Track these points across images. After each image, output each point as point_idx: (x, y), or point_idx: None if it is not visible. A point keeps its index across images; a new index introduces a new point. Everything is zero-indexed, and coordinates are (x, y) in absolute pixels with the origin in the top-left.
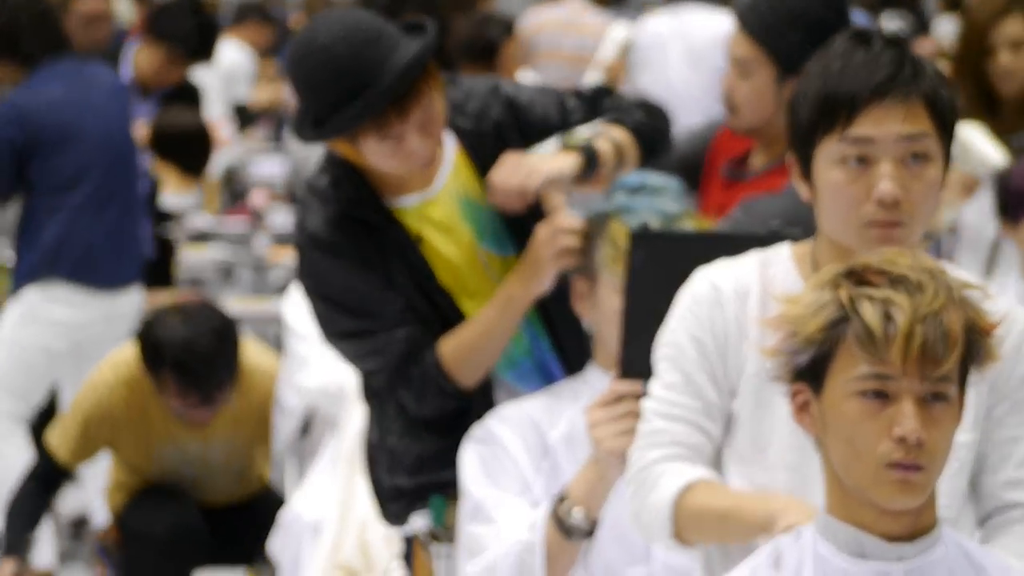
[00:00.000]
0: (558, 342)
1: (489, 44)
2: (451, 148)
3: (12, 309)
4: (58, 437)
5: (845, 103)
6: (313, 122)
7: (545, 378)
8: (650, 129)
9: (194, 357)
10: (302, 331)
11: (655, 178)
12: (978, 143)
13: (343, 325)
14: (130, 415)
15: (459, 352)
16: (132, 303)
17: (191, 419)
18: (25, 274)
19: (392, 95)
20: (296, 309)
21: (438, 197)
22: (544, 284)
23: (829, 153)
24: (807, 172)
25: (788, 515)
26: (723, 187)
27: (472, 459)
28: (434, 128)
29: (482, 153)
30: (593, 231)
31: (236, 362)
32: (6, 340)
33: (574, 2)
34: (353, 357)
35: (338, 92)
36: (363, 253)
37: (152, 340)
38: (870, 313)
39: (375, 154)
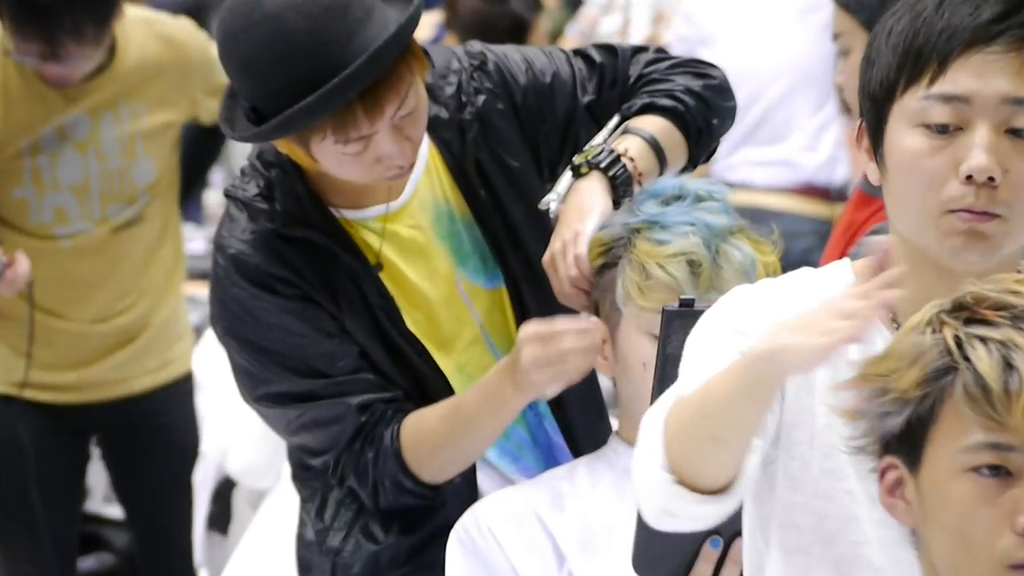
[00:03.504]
0: (562, 406)
1: (517, 21)
2: (423, 144)
3: None
4: None
5: (935, 47)
6: (251, 115)
7: (546, 457)
8: (703, 106)
9: None
10: (217, 389)
11: (696, 183)
12: None
13: (275, 385)
14: None
15: (425, 446)
16: None
17: (51, 78)
18: None
19: (361, 83)
20: (210, 360)
21: (406, 209)
22: (547, 394)
23: (907, 113)
24: (878, 145)
25: (782, 341)
26: (857, 203)
27: (459, 566)
28: (415, 127)
29: (461, 150)
30: (613, 254)
31: (105, 10)
32: None
33: None
34: (286, 428)
35: (288, 78)
36: (304, 285)
37: None
38: (985, 361)
39: (333, 160)
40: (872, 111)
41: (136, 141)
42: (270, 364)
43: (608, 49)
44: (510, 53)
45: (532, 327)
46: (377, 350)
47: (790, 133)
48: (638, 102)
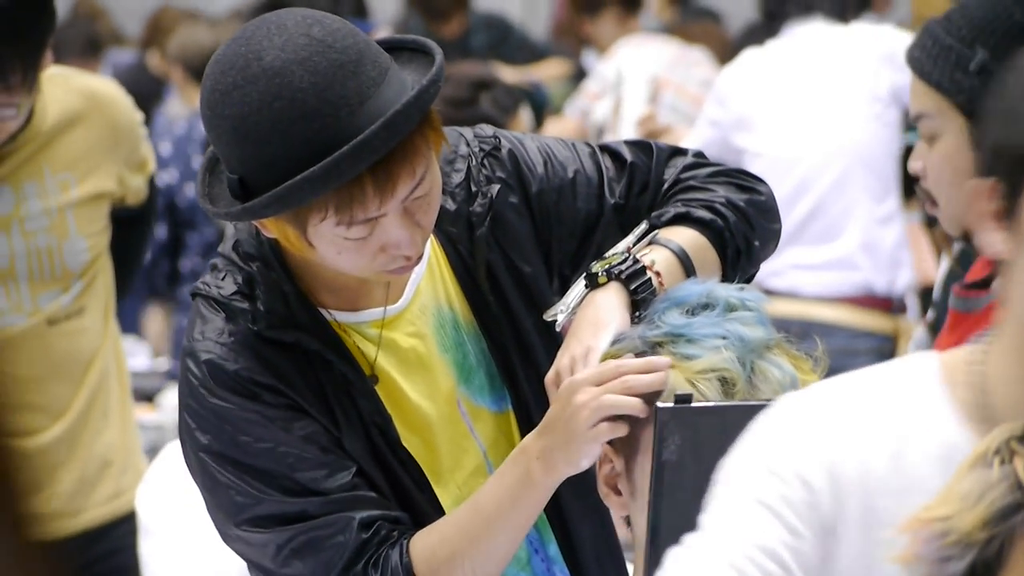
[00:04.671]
0: (573, 548)
1: (489, 124)
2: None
3: None
4: None
5: None
6: (238, 189)
7: None
8: (745, 224)
9: None
10: (165, 532)
11: (726, 288)
12: None
13: (263, 506)
14: None
15: (439, 559)
16: None
17: None
18: None
19: (375, 154)
20: (155, 499)
21: (406, 314)
22: (581, 464)
23: None
24: (1011, 211)
25: None
26: (951, 325)
27: None
28: (428, 213)
29: (470, 249)
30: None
31: (35, 48)
32: None
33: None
34: (274, 557)
35: (288, 143)
36: (293, 395)
37: None
38: None
39: (332, 246)
40: (1010, 171)
41: (67, 215)
42: (257, 483)
43: (642, 147)
44: (526, 141)
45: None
46: (374, 473)
47: (845, 229)
48: (671, 211)
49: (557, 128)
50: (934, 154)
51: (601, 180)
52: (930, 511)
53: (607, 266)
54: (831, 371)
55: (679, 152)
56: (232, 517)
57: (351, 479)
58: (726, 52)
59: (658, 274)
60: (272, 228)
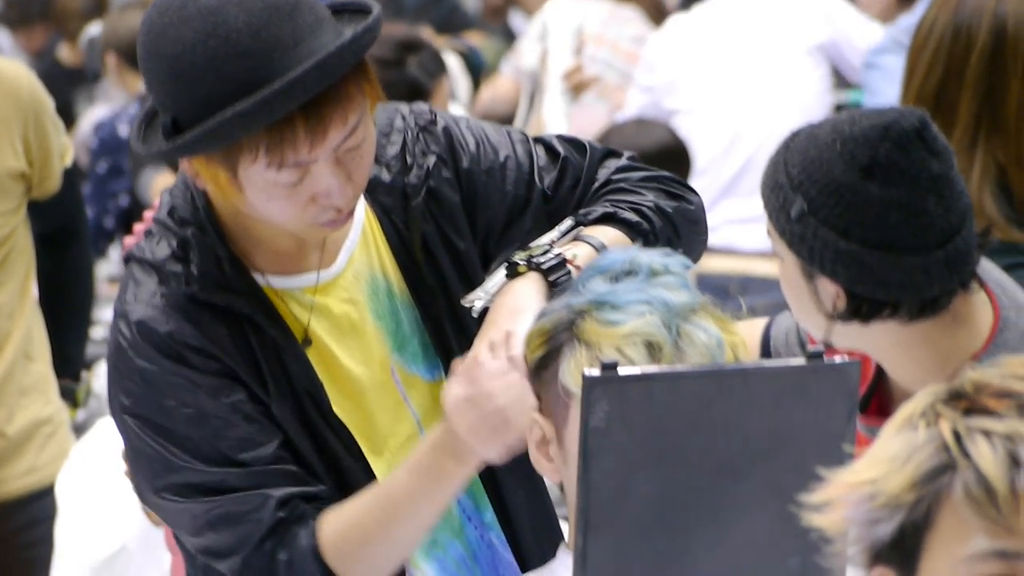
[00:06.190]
0: (508, 515)
1: (415, 87)
2: (360, 208)
3: None
4: None
5: None
6: (172, 130)
7: (484, 571)
8: (670, 230)
9: None
10: (77, 514)
11: (649, 254)
12: None
13: (182, 474)
14: None
15: (348, 542)
16: None
17: None
18: None
19: (306, 92)
20: (71, 481)
21: (339, 280)
22: (487, 456)
23: None
24: None
25: None
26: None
27: None
28: (360, 167)
29: (404, 219)
30: (556, 342)
31: None
32: None
33: None
34: (190, 526)
35: (222, 80)
36: (225, 358)
37: None
38: (988, 457)
39: (263, 192)
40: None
41: None
42: (177, 450)
43: (576, 144)
44: (461, 121)
45: (456, 389)
46: (302, 440)
47: None
48: (599, 210)
49: (493, 88)
50: (781, 274)
51: (532, 168)
52: (857, 474)
53: (528, 256)
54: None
55: (613, 154)
56: (151, 482)
57: (274, 451)
58: (658, 11)
59: (578, 268)
60: (204, 173)
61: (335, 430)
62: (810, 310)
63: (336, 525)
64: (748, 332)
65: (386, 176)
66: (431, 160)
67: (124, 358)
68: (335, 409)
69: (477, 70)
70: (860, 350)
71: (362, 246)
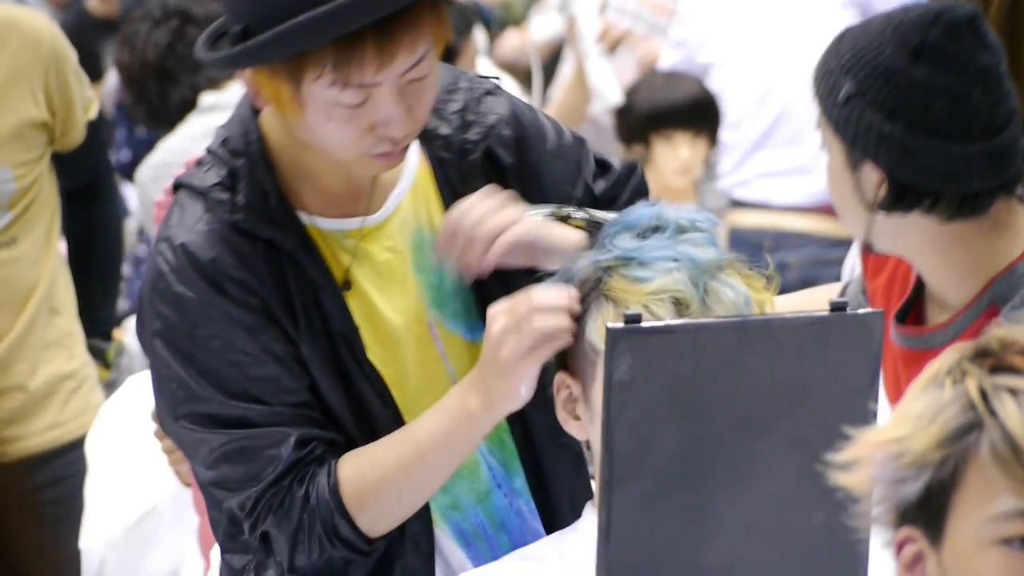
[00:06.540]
0: (545, 484)
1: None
2: (413, 158)
3: None
4: None
5: None
6: (241, 34)
7: (512, 538)
8: None
9: None
10: (109, 480)
11: (676, 210)
12: None
13: (203, 404)
14: None
15: (368, 481)
16: None
17: None
18: None
19: (379, 8)
20: (101, 440)
21: (385, 227)
22: (519, 397)
23: None
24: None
25: None
26: (906, 362)
27: None
28: (422, 102)
29: (460, 175)
30: (583, 299)
31: None
32: None
33: None
34: (205, 458)
35: None
36: (262, 292)
37: None
38: (1015, 415)
39: (323, 112)
40: None
41: None
42: (202, 380)
43: (631, 167)
44: (522, 102)
45: (499, 309)
46: (332, 384)
47: (811, 133)
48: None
49: (517, 38)
50: (828, 167)
51: (584, 166)
52: (884, 433)
53: (563, 214)
54: (805, 282)
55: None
56: (172, 409)
57: (299, 395)
58: None
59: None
60: (266, 89)
61: (368, 377)
62: (852, 204)
63: (356, 465)
64: (826, 295)
65: (445, 129)
66: (492, 119)
67: (163, 282)
68: (369, 356)
69: (487, 25)
70: (899, 252)
71: (411, 196)
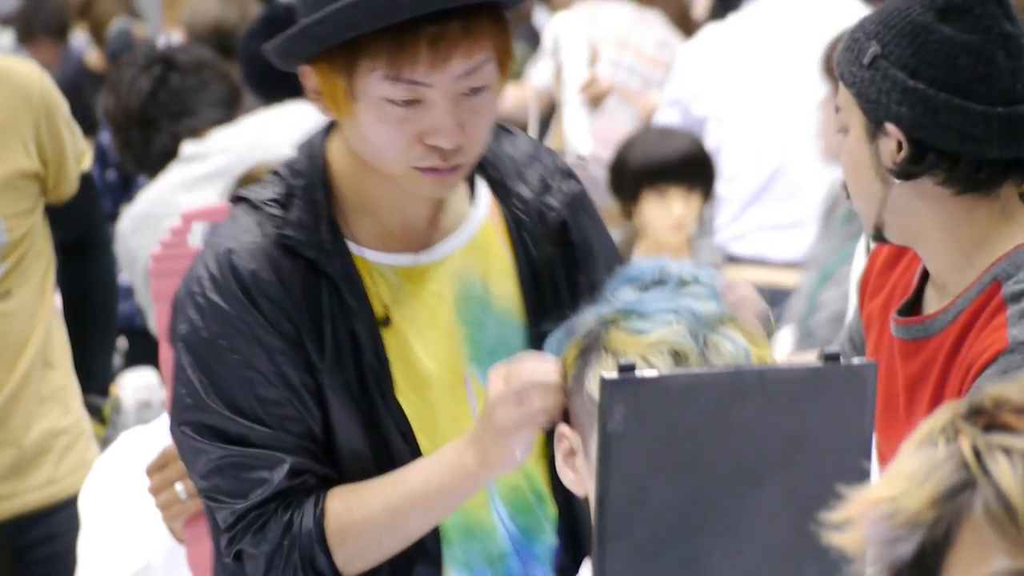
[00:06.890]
0: (572, 522)
1: None
2: (481, 213)
3: None
4: None
5: None
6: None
7: None
8: None
9: None
10: (102, 539)
11: (678, 265)
12: None
13: (208, 415)
14: None
15: (354, 519)
16: None
17: None
18: None
19: (435, 3)
20: (95, 495)
21: (434, 270)
22: (515, 460)
23: None
24: None
25: None
26: (903, 356)
27: None
28: (477, 119)
29: (532, 237)
30: (584, 351)
31: None
32: None
33: None
34: (202, 467)
35: None
36: (293, 312)
37: None
38: (1008, 475)
39: (374, 110)
40: None
41: None
42: (212, 390)
43: None
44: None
45: (496, 376)
46: (352, 417)
47: (807, 187)
48: None
49: (517, 93)
50: (845, 147)
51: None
52: (876, 492)
53: None
54: None
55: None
56: (178, 414)
57: (302, 426)
58: (684, 18)
59: None
60: (323, 86)
61: (393, 414)
62: (867, 180)
63: (345, 500)
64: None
65: (526, 192)
66: (575, 190)
67: (199, 287)
68: (398, 395)
69: None
70: (908, 232)
71: (470, 249)
